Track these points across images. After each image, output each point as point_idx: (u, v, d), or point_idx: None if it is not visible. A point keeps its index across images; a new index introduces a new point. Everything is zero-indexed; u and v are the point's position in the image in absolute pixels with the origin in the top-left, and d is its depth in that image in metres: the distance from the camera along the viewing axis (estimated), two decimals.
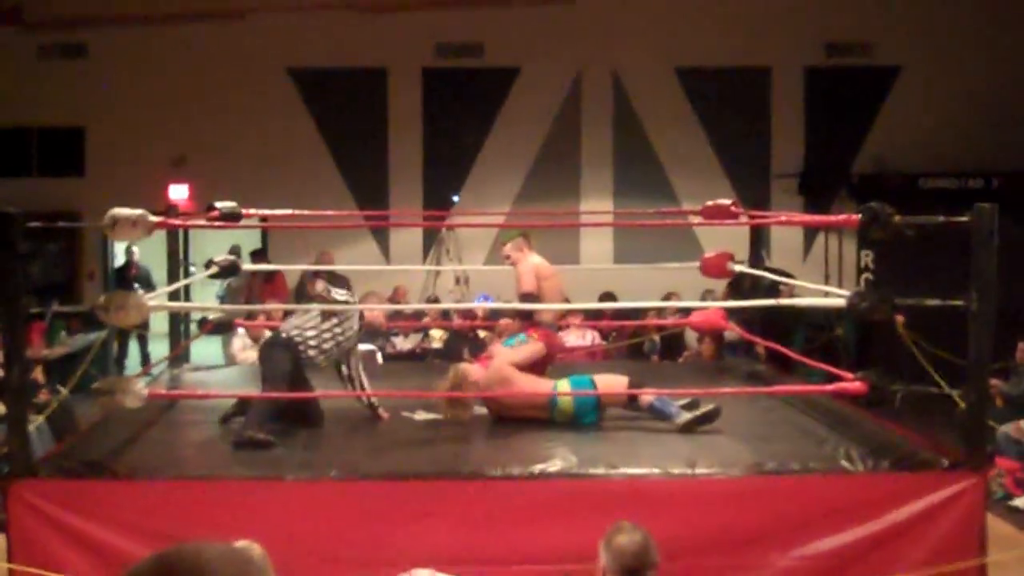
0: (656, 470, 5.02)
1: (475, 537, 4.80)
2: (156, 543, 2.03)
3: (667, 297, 11.56)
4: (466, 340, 11.29)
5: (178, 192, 14.02)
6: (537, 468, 5.02)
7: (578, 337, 11.36)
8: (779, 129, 14.82)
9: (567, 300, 8.62)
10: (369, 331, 7.18)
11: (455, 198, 14.21)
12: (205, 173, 13.97)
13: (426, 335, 11.95)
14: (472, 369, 6.35)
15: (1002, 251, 4.82)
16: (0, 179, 13.91)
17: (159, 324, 10.72)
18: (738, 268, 7.95)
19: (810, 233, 14.54)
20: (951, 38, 14.49)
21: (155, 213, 5.58)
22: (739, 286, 9.13)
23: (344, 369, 6.16)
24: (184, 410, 6.42)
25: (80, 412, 8.34)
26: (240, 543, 2.68)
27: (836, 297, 5.61)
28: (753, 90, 14.74)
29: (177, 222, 7.09)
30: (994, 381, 8.23)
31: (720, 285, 11.51)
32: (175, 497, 4.90)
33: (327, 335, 6.03)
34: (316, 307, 6.22)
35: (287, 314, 6.60)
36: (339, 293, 6.45)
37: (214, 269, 7.60)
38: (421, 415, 6.29)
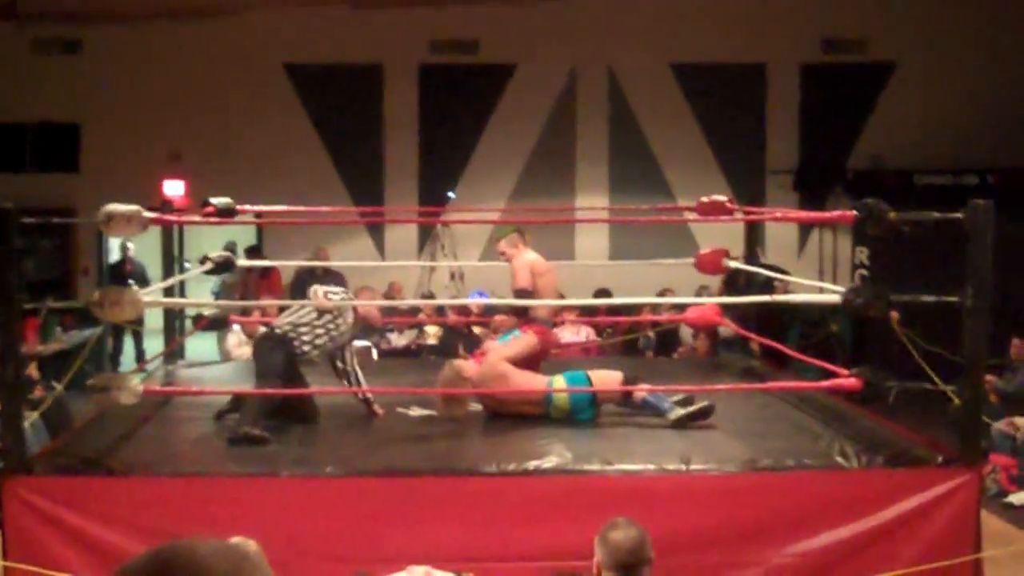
0: (651, 466, 5.02)
1: (471, 533, 4.80)
2: (151, 539, 2.03)
3: (662, 293, 11.57)
4: (461, 336, 11.29)
5: (173, 188, 13.97)
6: (532, 464, 5.02)
7: (573, 333, 11.36)
8: (774, 125, 14.83)
9: (562, 296, 8.63)
10: (364, 327, 7.17)
11: (451, 194, 14.21)
12: (200, 169, 13.94)
13: (421, 331, 11.95)
14: (467, 366, 6.35)
15: (997, 247, 4.83)
16: None
17: (154, 320, 10.69)
18: (733, 264, 7.95)
19: (805, 229, 14.56)
20: (947, 34, 14.50)
21: (150, 209, 5.58)
22: (734, 282, 9.14)
23: (339, 364, 6.17)
24: (179, 406, 6.41)
25: (75, 408, 8.32)
26: (235, 539, 2.68)
27: (831, 293, 5.61)
28: (749, 86, 14.74)
29: (172, 218, 7.09)
30: (989, 377, 8.24)
31: (715, 281, 11.54)
32: (170, 493, 4.89)
33: (320, 330, 6.04)
34: (310, 303, 6.22)
35: (282, 310, 6.59)
36: (334, 291, 6.44)
37: (209, 265, 7.59)
38: (416, 411, 6.29)
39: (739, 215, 7.83)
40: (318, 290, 6.25)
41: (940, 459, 4.99)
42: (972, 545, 4.87)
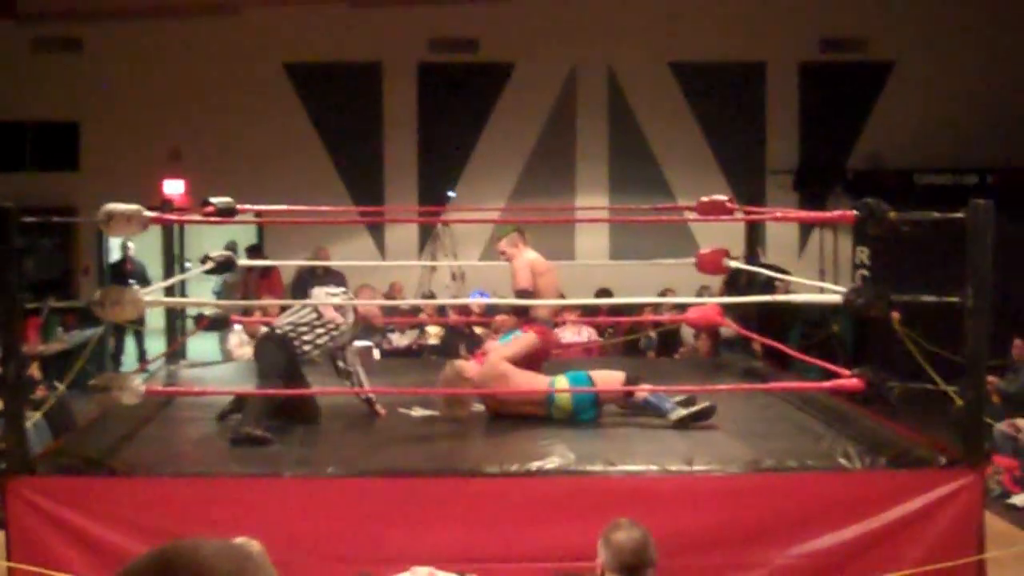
0: (654, 467, 5.02)
1: (473, 534, 4.79)
2: (154, 540, 2.02)
3: (663, 293, 11.57)
4: (462, 336, 11.29)
5: (173, 187, 13.98)
6: (535, 465, 5.02)
7: (574, 333, 11.37)
8: (774, 125, 14.83)
9: (562, 296, 8.63)
10: (366, 327, 7.17)
11: (451, 194, 14.21)
12: (200, 168, 13.94)
13: (422, 331, 11.95)
14: (468, 366, 6.35)
15: (998, 247, 4.82)
16: None
17: (155, 320, 10.71)
18: (734, 264, 7.95)
19: (805, 229, 14.57)
20: (946, 33, 14.50)
21: (150, 208, 5.57)
22: (735, 282, 9.13)
23: (341, 364, 6.16)
24: (181, 406, 6.41)
25: (77, 409, 8.32)
26: (239, 539, 2.67)
27: (832, 294, 5.61)
28: (748, 85, 14.75)
29: (172, 217, 7.08)
30: (991, 378, 8.24)
31: (716, 281, 11.53)
32: (173, 494, 4.89)
33: (321, 330, 6.03)
34: (311, 302, 6.22)
35: (283, 310, 6.59)
36: (334, 291, 6.43)
37: (210, 265, 7.59)
38: (418, 411, 6.29)
39: (739, 215, 7.82)
40: (320, 293, 6.25)
41: (943, 460, 4.98)
42: (975, 546, 4.86)
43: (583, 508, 4.71)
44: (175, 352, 8.12)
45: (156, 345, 11.44)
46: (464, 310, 11.33)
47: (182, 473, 5.04)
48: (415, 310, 11.57)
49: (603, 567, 3.38)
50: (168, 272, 7.96)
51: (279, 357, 5.91)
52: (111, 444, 5.39)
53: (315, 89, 14.62)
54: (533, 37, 14.53)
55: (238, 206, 6.81)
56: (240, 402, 5.91)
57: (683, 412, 5.85)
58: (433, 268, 13.97)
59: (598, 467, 5.01)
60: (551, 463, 5.04)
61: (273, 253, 13.53)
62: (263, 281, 12.74)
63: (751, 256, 8.36)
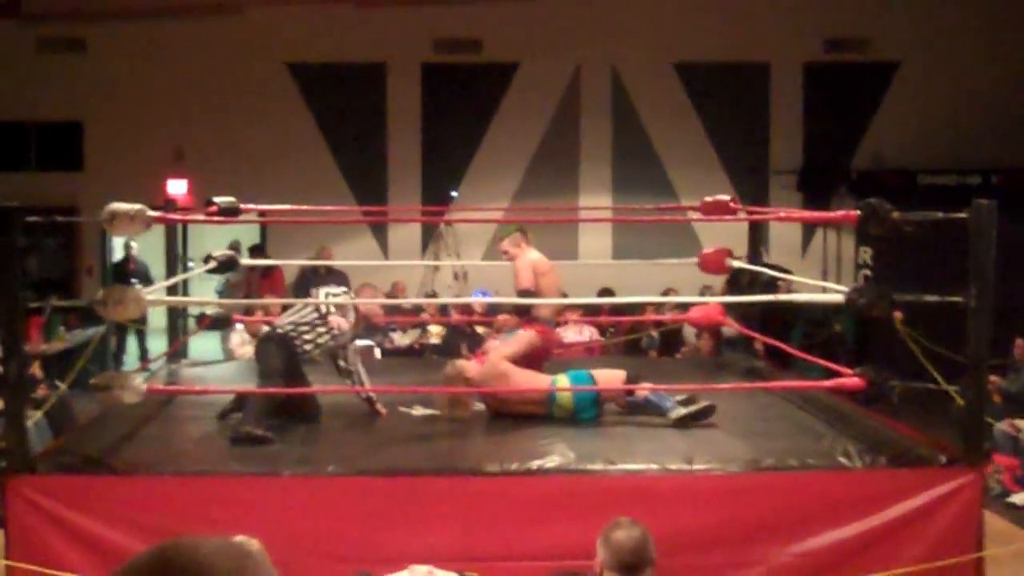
0: (654, 466, 5.02)
1: (473, 533, 4.80)
2: (154, 539, 2.02)
3: (665, 293, 11.58)
4: (464, 336, 11.29)
5: (176, 187, 14.01)
6: (535, 464, 5.02)
7: (576, 333, 11.37)
8: (778, 125, 14.82)
9: (565, 296, 8.62)
10: (367, 326, 7.17)
11: (454, 193, 14.21)
12: (203, 168, 13.97)
13: (424, 331, 11.95)
14: (469, 366, 6.35)
15: (1000, 247, 4.82)
16: None
17: (157, 319, 10.75)
18: (736, 264, 7.94)
19: (808, 229, 14.56)
20: (949, 34, 14.49)
21: (154, 208, 5.58)
22: (737, 282, 9.12)
23: (342, 363, 6.16)
24: (182, 405, 6.42)
25: (78, 407, 8.33)
26: (238, 538, 2.68)
27: (834, 293, 5.60)
28: (752, 86, 14.74)
29: (175, 217, 7.08)
30: (992, 378, 8.23)
31: (718, 281, 11.52)
32: (173, 493, 4.90)
33: (322, 329, 6.04)
34: (312, 302, 6.22)
35: (284, 309, 6.59)
36: (335, 291, 6.43)
37: (212, 264, 7.59)
38: (419, 411, 6.29)
39: (743, 215, 7.81)
40: (321, 293, 6.25)
41: (943, 459, 4.98)
42: (975, 545, 4.87)
43: (583, 507, 4.71)
44: (177, 351, 8.12)
45: (158, 344, 11.47)
46: (466, 309, 11.33)
47: (183, 472, 5.04)
48: (417, 309, 11.57)
49: (602, 566, 3.38)
50: (171, 271, 7.96)
51: (280, 357, 5.91)
52: (112, 443, 5.40)
53: (319, 89, 14.64)
54: (537, 37, 14.53)
55: (241, 206, 6.82)
56: (241, 401, 5.91)
57: (683, 411, 5.84)
58: (436, 268, 13.98)
59: (598, 466, 5.01)
60: (551, 462, 5.04)
61: (276, 253, 13.54)
62: (265, 281, 12.75)
63: (754, 256, 8.35)
